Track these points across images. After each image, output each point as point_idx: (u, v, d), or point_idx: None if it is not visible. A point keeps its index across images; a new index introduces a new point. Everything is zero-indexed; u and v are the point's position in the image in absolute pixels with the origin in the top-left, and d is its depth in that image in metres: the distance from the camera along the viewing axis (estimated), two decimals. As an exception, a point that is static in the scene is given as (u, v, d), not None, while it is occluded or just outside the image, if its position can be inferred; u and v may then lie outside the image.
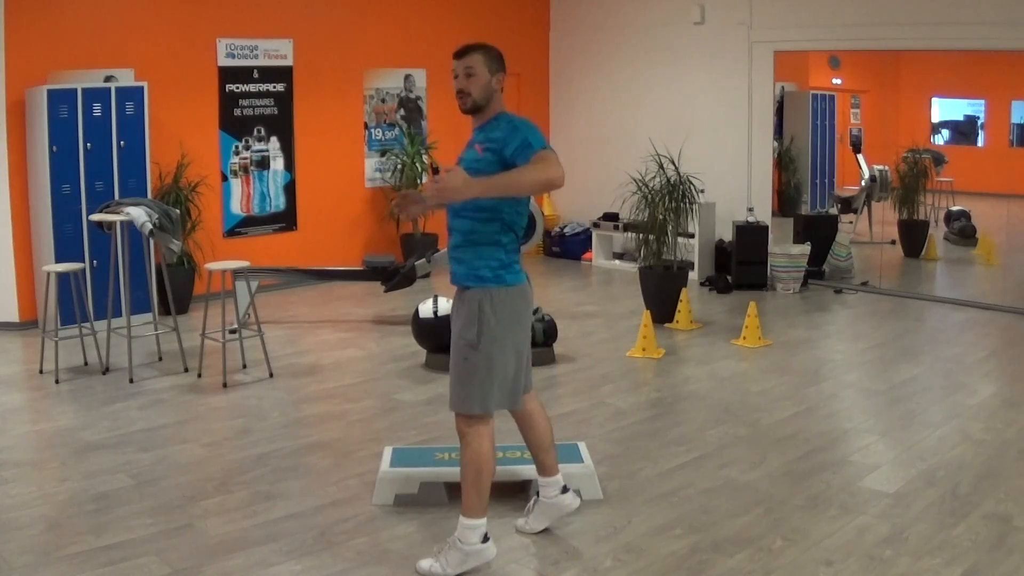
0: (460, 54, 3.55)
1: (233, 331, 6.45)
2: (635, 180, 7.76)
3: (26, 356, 6.80)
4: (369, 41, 9.68)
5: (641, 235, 7.86)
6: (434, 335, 6.40)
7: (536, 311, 6.49)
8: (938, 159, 9.65)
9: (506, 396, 3.57)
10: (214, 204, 8.61)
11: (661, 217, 7.73)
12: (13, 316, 7.52)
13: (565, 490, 3.89)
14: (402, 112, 10.10)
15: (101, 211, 6.37)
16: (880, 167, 9.76)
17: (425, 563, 3.60)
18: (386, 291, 7.78)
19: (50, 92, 7.12)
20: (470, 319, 3.48)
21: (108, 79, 7.75)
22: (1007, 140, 9.21)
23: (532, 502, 3.96)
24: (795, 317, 8.05)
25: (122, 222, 6.17)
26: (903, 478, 4.49)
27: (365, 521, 4.06)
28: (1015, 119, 9.07)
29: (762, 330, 7.11)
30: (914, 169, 9.52)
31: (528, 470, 4.21)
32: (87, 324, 6.52)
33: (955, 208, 9.67)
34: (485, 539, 3.58)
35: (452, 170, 3.19)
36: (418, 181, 9.71)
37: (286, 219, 9.23)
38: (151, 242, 7.04)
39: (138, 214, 6.15)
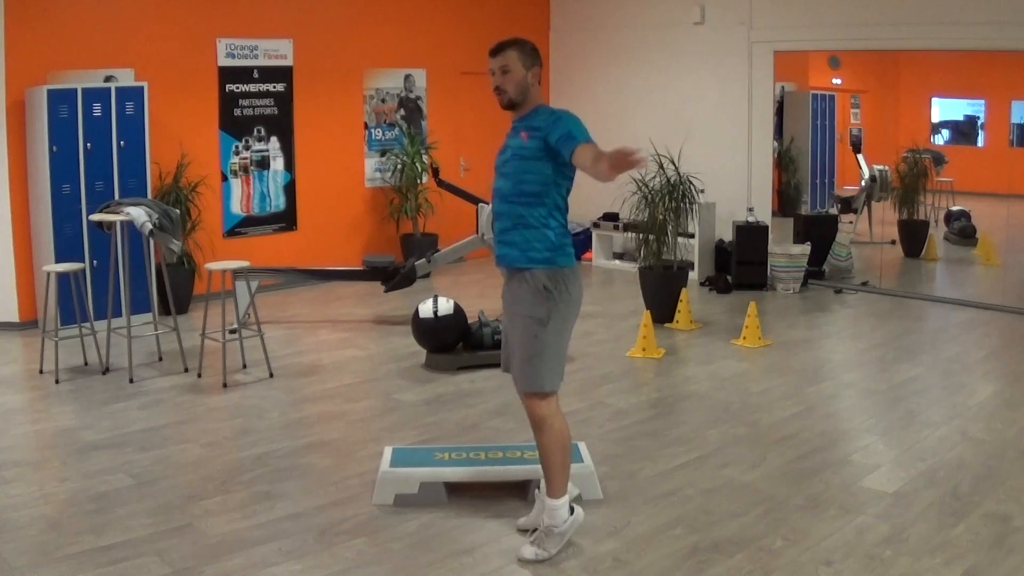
0: (495, 51, 3.65)
1: (233, 331, 6.45)
2: (635, 180, 7.75)
3: (26, 356, 6.80)
4: (369, 41, 9.68)
5: (641, 235, 7.86)
6: (434, 335, 6.40)
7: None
8: (938, 159, 9.65)
9: (562, 372, 3.69)
10: (214, 204, 8.62)
11: (661, 217, 7.73)
12: (13, 316, 7.52)
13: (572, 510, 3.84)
14: (402, 112, 10.10)
15: (101, 211, 6.36)
16: (880, 167, 9.76)
17: (528, 551, 3.70)
18: (386, 291, 7.78)
19: (50, 92, 7.12)
20: (535, 297, 3.57)
21: (108, 79, 7.75)
22: (1007, 140, 9.20)
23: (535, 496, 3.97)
24: (795, 317, 8.05)
25: (122, 222, 6.17)
26: (903, 478, 4.49)
27: (365, 521, 4.06)
28: (1015, 119, 9.07)
29: (762, 330, 7.11)
30: (914, 169, 9.52)
31: (528, 470, 4.22)
32: (87, 324, 6.52)
33: (955, 208, 9.67)
34: (571, 511, 3.73)
35: (626, 149, 3.15)
36: (418, 181, 9.71)
37: (286, 219, 9.23)
38: (151, 242, 7.04)
39: (138, 214, 6.15)
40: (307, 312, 8.27)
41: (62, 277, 6.43)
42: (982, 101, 9.53)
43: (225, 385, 6.02)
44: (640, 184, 7.73)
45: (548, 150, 3.52)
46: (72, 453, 4.87)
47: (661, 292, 7.72)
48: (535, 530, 3.81)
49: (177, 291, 7.50)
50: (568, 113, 3.61)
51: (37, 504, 4.21)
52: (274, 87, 8.98)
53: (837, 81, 10.40)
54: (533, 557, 3.68)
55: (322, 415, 5.54)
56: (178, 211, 6.77)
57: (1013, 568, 3.60)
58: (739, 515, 4.10)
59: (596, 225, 10.36)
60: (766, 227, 9.14)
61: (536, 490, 3.97)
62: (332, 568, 3.65)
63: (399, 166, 9.76)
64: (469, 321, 6.52)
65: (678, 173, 7.78)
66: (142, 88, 7.65)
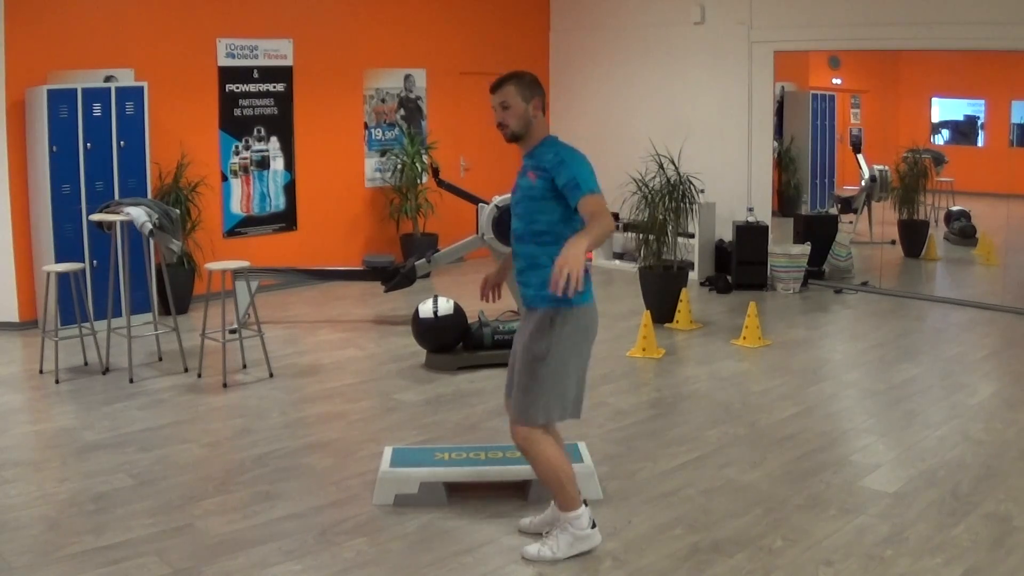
0: (494, 88, 3.67)
1: (233, 331, 6.45)
2: (635, 180, 7.76)
3: (26, 356, 6.80)
4: (369, 41, 9.67)
5: (641, 235, 7.86)
6: (434, 335, 6.40)
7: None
8: (938, 159, 9.65)
9: (567, 408, 3.69)
10: (214, 204, 8.61)
11: (661, 217, 7.73)
12: (13, 316, 7.52)
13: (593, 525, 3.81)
14: (402, 112, 10.10)
15: (101, 211, 6.36)
16: (880, 167, 9.76)
17: (532, 548, 3.70)
18: (386, 291, 7.79)
19: (50, 92, 7.12)
20: (540, 333, 3.57)
21: (108, 79, 7.75)
22: (1007, 140, 9.21)
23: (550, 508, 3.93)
24: (795, 317, 8.05)
25: (122, 222, 6.17)
26: (903, 478, 4.49)
27: (365, 521, 4.06)
28: (1015, 119, 9.07)
29: (762, 330, 7.11)
30: (914, 169, 9.52)
31: (528, 470, 4.21)
32: (87, 324, 6.52)
33: (955, 208, 9.67)
34: (592, 525, 3.72)
35: (565, 255, 3.24)
36: (418, 181, 9.71)
37: (286, 219, 9.23)
38: (151, 242, 7.04)
39: (138, 214, 6.15)
40: (307, 312, 8.27)
41: (62, 277, 6.43)
42: (982, 101, 9.53)
43: (225, 385, 6.02)
44: (640, 184, 7.74)
45: (555, 191, 3.52)
46: (72, 453, 4.87)
47: (661, 292, 7.72)
48: (543, 534, 3.80)
49: (177, 291, 7.49)
50: (573, 153, 3.58)
51: (37, 504, 4.21)
52: (274, 87, 8.98)
53: (837, 81, 10.40)
54: (535, 554, 3.68)
55: (322, 415, 5.54)
56: (178, 211, 6.77)
57: (1013, 568, 3.60)
58: (739, 515, 4.10)
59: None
60: (766, 227, 9.14)
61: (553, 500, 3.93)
62: (332, 568, 3.65)
63: (399, 166, 9.76)
64: (469, 321, 6.52)
65: (678, 173, 7.78)
66: (142, 88, 7.65)
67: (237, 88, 8.72)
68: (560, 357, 3.58)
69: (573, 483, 3.70)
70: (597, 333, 3.74)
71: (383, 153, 9.90)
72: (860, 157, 10.05)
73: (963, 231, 9.61)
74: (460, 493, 4.26)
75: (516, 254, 3.71)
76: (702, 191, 8.28)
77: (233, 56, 8.65)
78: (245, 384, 6.12)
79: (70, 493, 4.34)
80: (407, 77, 10.08)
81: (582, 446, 4.49)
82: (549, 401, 3.60)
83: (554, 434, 3.75)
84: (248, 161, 8.92)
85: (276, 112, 9.02)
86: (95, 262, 7.33)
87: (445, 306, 6.37)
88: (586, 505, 3.76)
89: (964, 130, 9.73)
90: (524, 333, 3.68)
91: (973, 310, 8.20)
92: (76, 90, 7.25)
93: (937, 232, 9.69)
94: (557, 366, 3.58)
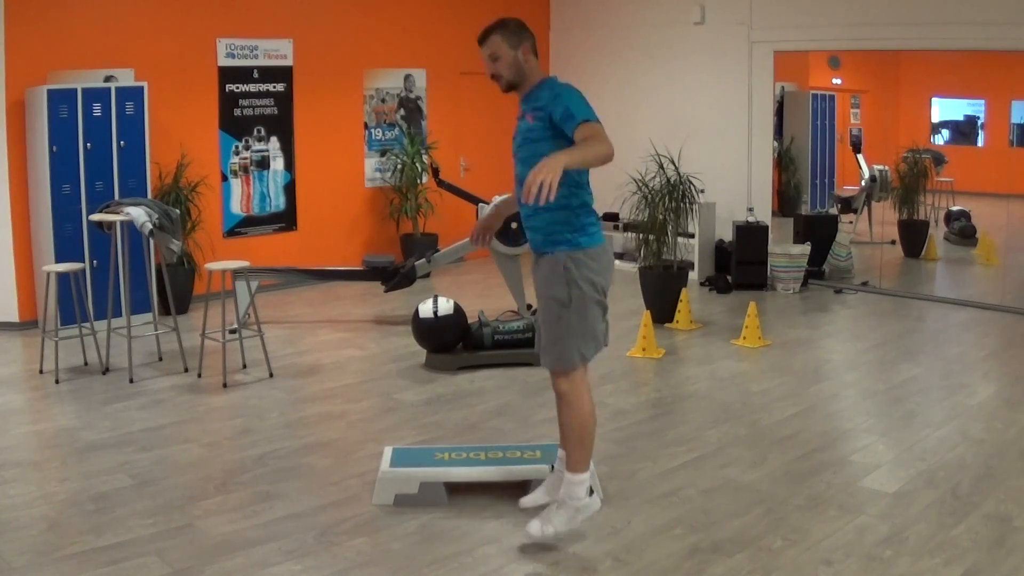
0: (480, 40, 3.71)
1: (233, 331, 6.45)
2: (635, 180, 7.76)
3: (26, 356, 6.80)
4: (369, 41, 9.67)
5: (641, 235, 7.86)
6: (434, 335, 6.40)
7: (535, 311, 6.48)
8: (938, 159, 9.65)
9: (600, 341, 3.72)
10: (214, 204, 8.61)
11: (661, 217, 7.72)
12: (13, 316, 7.52)
13: (590, 492, 3.83)
14: (402, 112, 10.10)
15: (101, 211, 6.36)
16: (880, 167, 9.76)
17: (535, 526, 3.71)
18: (386, 291, 7.79)
19: (50, 92, 7.12)
20: (557, 280, 3.60)
21: (108, 79, 7.75)
22: (1007, 140, 9.20)
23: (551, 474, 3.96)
24: (795, 317, 8.05)
25: (122, 222, 6.17)
26: (903, 478, 4.49)
27: (365, 521, 4.06)
28: (1015, 119, 9.07)
29: (762, 330, 7.11)
30: (914, 169, 9.52)
31: (528, 470, 4.22)
32: (87, 324, 6.52)
33: (955, 208, 9.67)
34: (590, 492, 3.73)
35: (541, 164, 3.17)
36: (418, 181, 9.71)
37: (286, 219, 9.23)
38: (151, 242, 7.04)
39: (138, 214, 6.15)
40: (307, 312, 8.27)
41: (62, 277, 6.43)
42: (982, 101, 9.53)
43: (225, 385, 6.02)
44: (640, 184, 7.74)
45: (555, 127, 3.51)
46: (72, 453, 4.87)
47: (661, 292, 7.72)
48: (543, 507, 3.82)
49: (177, 291, 7.50)
50: (568, 88, 3.59)
51: (37, 504, 4.21)
52: (274, 87, 8.98)
53: (837, 81, 10.39)
54: (539, 531, 3.70)
55: (322, 415, 5.54)
56: (178, 211, 6.77)
57: (1013, 568, 3.60)
58: (739, 515, 4.10)
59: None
60: (766, 227, 9.14)
61: (551, 466, 3.96)
62: (332, 568, 3.65)
63: (399, 166, 9.76)
64: (469, 321, 6.52)
65: (678, 173, 7.78)
66: (142, 88, 7.65)
67: (237, 88, 8.72)
68: (581, 298, 3.60)
69: (592, 443, 3.71)
70: (613, 270, 3.77)
71: (383, 153, 9.90)
72: (860, 157, 10.05)
73: (963, 231, 9.61)
74: (460, 493, 4.26)
75: (520, 200, 3.66)
76: (702, 191, 8.28)
77: (233, 56, 8.65)
78: (245, 384, 6.12)
79: (70, 493, 4.34)
80: (407, 77, 10.08)
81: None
82: (581, 342, 3.63)
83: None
84: (248, 161, 8.92)
85: (276, 112, 9.02)
86: (95, 262, 7.33)
87: (445, 306, 6.37)
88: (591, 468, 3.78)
89: (964, 130, 9.72)
90: (540, 280, 3.70)
91: (973, 310, 8.20)
92: (76, 90, 7.25)
93: (937, 232, 9.69)
94: (580, 307, 3.60)
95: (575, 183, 3.61)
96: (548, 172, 3.13)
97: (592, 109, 3.52)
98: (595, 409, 3.74)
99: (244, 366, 6.44)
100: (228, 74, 8.64)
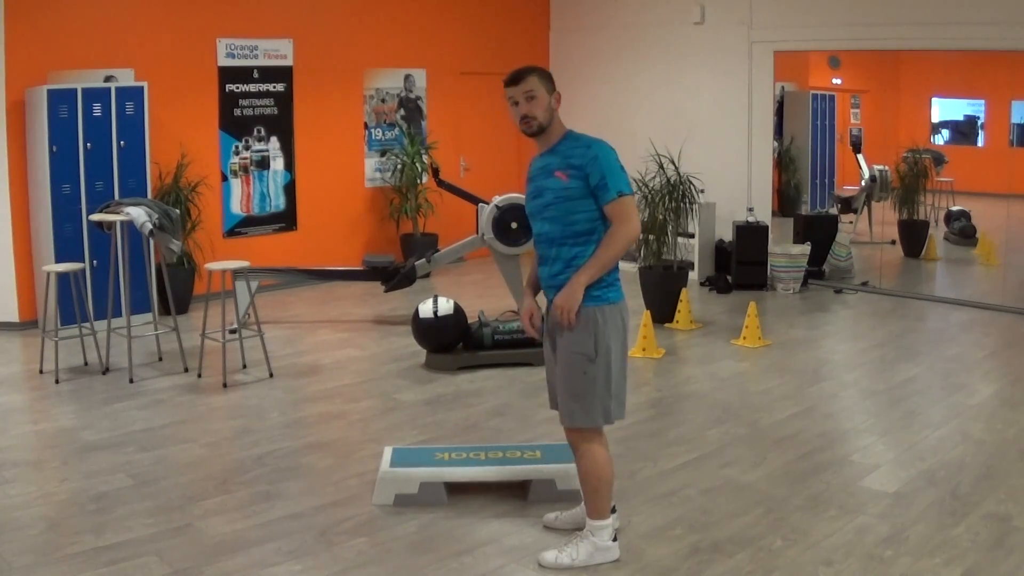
0: (516, 80, 3.56)
1: (233, 331, 6.45)
2: (635, 180, 7.73)
3: (26, 356, 6.80)
4: (369, 41, 9.67)
5: (641, 235, 7.86)
6: (434, 335, 6.40)
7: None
8: (938, 159, 9.65)
9: (623, 405, 3.67)
10: (214, 204, 8.61)
11: (661, 217, 7.73)
12: (13, 316, 7.52)
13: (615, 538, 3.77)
14: (402, 112, 10.10)
15: (101, 211, 6.36)
16: (880, 167, 9.76)
17: (550, 555, 3.67)
18: (386, 291, 7.78)
19: (50, 92, 7.12)
20: (586, 332, 3.53)
21: (108, 79, 7.75)
22: (1007, 140, 9.20)
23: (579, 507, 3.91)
24: (795, 317, 8.05)
25: (122, 222, 6.17)
26: (903, 478, 4.49)
27: (365, 521, 4.06)
28: (1015, 119, 9.07)
29: (762, 330, 7.11)
30: (914, 169, 9.52)
31: (528, 470, 4.22)
32: (87, 324, 6.52)
33: (955, 208, 9.67)
34: (614, 538, 3.69)
35: (560, 298, 3.47)
36: (418, 181, 9.71)
37: (286, 219, 9.23)
38: (151, 242, 7.04)
39: (138, 214, 6.15)
40: (307, 312, 8.27)
41: (62, 277, 6.43)
42: (982, 101, 9.53)
43: (225, 385, 6.02)
44: (640, 184, 7.73)
45: (590, 189, 3.50)
46: (72, 453, 4.87)
47: (661, 292, 7.72)
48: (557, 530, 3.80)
49: (177, 291, 7.49)
50: (603, 148, 3.55)
51: (37, 504, 4.21)
52: (274, 87, 8.98)
53: (837, 81, 10.40)
54: (553, 561, 3.64)
55: (322, 415, 5.54)
56: (178, 211, 6.77)
57: (1013, 568, 3.60)
58: (739, 515, 4.10)
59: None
60: (766, 227, 9.14)
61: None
62: (332, 568, 3.65)
63: (399, 166, 9.76)
64: (469, 321, 6.52)
65: (678, 173, 7.79)
66: (142, 88, 7.65)
67: (237, 88, 8.72)
68: (607, 354, 3.55)
69: (610, 492, 3.67)
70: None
71: (383, 153, 9.90)
72: (860, 157, 10.05)
73: (963, 231, 9.61)
74: (460, 493, 4.26)
75: (549, 258, 3.61)
76: (702, 191, 8.28)
77: (233, 56, 8.65)
78: (245, 384, 6.12)
79: (70, 493, 4.34)
80: (407, 77, 10.08)
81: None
82: (606, 400, 3.57)
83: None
84: (248, 161, 8.92)
85: (276, 112, 9.02)
86: (95, 262, 7.33)
87: (445, 306, 6.37)
88: (614, 512, 3.74)
89: (964, 130, 9.73)
90: (560, 336, 3.60)
91: (973, 310, 8.20)
92: (76, 90, 7.25)
93: (937, 232, 9.69)
94: (607, 363, 3.56)
95: (600, 241, 3.55)
96: (568, 300, 3.43)
97: (625, 172, 3.54)
98: (612, 460, 3.68)
99: (244, 366, 6.44)
100: (228, 74, 8.64)
